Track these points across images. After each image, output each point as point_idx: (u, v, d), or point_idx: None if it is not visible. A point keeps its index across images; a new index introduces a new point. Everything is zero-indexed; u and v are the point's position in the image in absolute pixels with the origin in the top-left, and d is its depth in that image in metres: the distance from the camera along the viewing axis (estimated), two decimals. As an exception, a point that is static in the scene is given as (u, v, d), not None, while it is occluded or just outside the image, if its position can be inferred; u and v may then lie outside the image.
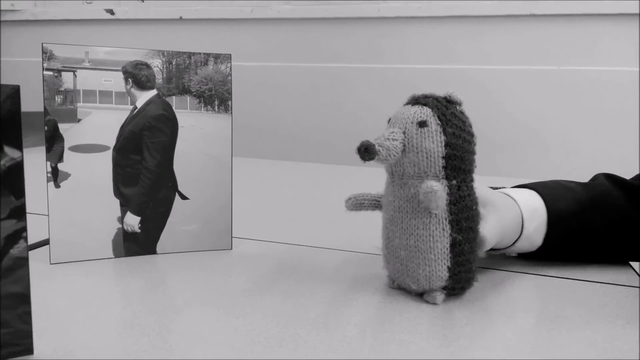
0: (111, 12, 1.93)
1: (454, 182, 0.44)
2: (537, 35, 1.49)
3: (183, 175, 0.55)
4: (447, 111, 0.43)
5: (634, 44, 1.40)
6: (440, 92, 0.45)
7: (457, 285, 0.45)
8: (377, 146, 0.42)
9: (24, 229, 0.32)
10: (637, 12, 1.39)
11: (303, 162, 1.28)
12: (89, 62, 0.51)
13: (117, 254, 0.54)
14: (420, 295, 0.46)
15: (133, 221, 0.54)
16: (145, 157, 0.54)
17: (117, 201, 0.53)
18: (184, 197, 0.56)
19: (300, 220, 0.73)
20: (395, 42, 1.63)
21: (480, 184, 0.48)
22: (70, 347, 0.36)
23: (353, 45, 1.68)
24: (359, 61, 1.67)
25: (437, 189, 0.41)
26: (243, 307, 0.43)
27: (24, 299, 0.33)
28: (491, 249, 0.52)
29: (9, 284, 0.33)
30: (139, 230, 0.54)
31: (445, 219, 0.44)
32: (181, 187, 0.55)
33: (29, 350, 0.34)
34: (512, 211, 0.51)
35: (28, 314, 0.34)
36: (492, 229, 0.47)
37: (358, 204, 0.48)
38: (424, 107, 0.44)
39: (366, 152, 0.42)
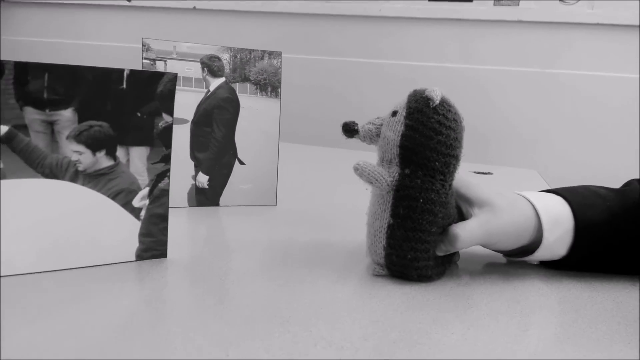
0: (127, -1, 2.04)
1: (406, 171, 0.45)
2: (523, 40, 1.66)
3: (241, 145, 0.71)
4: (414, 105, 0.45)
5: (611, 50, 1.58)
6: (438, 87, 0.47)
7: (392, 267, 0.47)
8: (358, 126, 0.48)
9: (169, 170, 0.48)
10: (617, 22, 1.57)
11: (308, 145, 1.44)
12: (175, 54, 0.66)
13: (191, 204, 0.69)
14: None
15: (203, 179, 0.69)
16: (214, 130, 0.69)
17: (192, 163, 0.68)
18: (241, 162, 0.71)
19: (330, 189, 0.89)
20: (394, 40, 1.78)
21: (484, 185, 0.49)
22: (185, 254, 0.51)
23: (354, 41, 1.82)
24: (359, 56, 1.82)
25: (358, 167, 0.46)
26: (282, 246, 0.59)
27: (164, 218, 0.49)
28: (508, 255, 0.53)
29: (155, 207, 0.48)
30: (207, 187, 0.70)
31: (388, 202, 0.46)
32: (240, 155, 0.71)
33: (164, 255, 0.50)
34: (520, 216, 0.49)
35: (166, 228, 0.49)
36: (473, 229, 0.47)
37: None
38: (405, 99, 0.47)
39: (344, 129, 0.49)
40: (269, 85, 0.71)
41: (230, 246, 0.57)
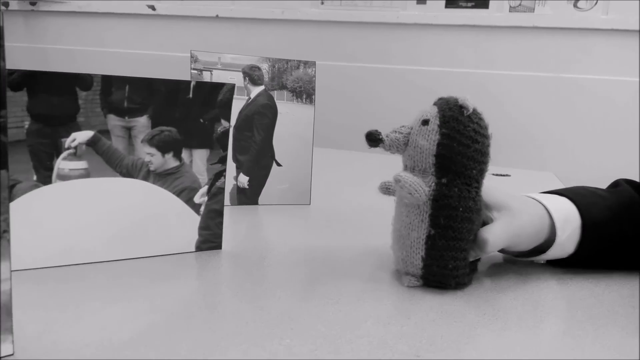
0: (152, 7, 2.12)
1: (443, 180, 0.45)
2: (538, 45, 1.70)
3: (279, 148, 0.76)
4: (449, 114, 0.45)
5: (625, 55, 1.62)
6: (446, 94, 0.48)
7: (431, 277, 0.47)
8: (383, 135, 0.46)
9: (225, 170, 0.53)
10: (631, 27, 1.60)
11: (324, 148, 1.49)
12: (220, 64, 0.72)
13: (232, 202, 0.75)
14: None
15: (244, 179, 0.75)
16: (254, 134, 0.74)
17: (234, 165, 0.74)
18: (278, 164, 0.76)
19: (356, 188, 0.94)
20: (411, 46, 1.83)
21: (500, 188, 0.51)
22: (235, 246, 0.57)
23: (372, 47, 1.87)
24: (376, 62, 1.87)
25: (400, 179, 0.45)
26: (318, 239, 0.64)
27: (220, 213, 0.54)
28: (519, 255, 0.54)
29: (213, 204, 0.54)
30: (247, 186, 0.75)
31: (426, 212, 0.46)
32: (277, 157, 0.76)
33: (219, 246, 0.55)
34: (535, 216, 0.51)
35: (221, 223, 0.55)
36: (499, 233, 0.48)
37: (385, 188, 0.51)
38: (434, 107, 0.47)
39: (368, 138, 0.47)
40: (304, 93, 0.76)
41: (271, 240, 0.63)
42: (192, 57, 0.70)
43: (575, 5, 1.66)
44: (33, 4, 2.27)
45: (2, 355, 0.32)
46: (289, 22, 1.96)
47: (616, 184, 0.58)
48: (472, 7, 1.74)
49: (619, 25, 1.61)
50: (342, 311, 0.42)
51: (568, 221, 0.51)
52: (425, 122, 0.46)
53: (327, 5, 1.90)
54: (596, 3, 1.63)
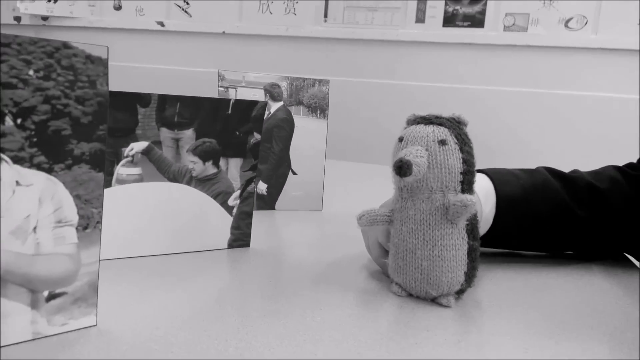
0: (162, 24, 2.20)
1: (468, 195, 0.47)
2: (531, 62, 1.79)
3: (294, 158, 0.84)
4: (461, 131, 0.47)
5: (614, 73, 1.71)
6: (444, 108, 0.50)
7: (467, 286, 0.48)
8: (413, 166, 0.44)
9: (255, 176, 0.61)
10: (618, 47, 1.70)
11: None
12: (244, 82, 0.80)
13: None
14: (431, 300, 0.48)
15: (263, 187, 0.82)
16: (273, 145, 0.82)
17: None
18: (294, 173, 0.84)
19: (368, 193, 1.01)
20: (410, 62, 1.92)
21: None
22: (261, 245, 0.64)
23: (373, 63, 1.96)
24: (377, 77, 1.96)
25: (470, 203, 0.44)
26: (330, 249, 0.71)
27: (249, 215, 0.62)
28: None
29: (244, 206, 0.61)
30: (265, 193, 0.83)
31: (463, 228, 0.46)
32: (293, 166, 0.84)
33: (248, 245, 0.62)
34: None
35: (250, 223, 0.62)
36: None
37: (372, 219, 0.49)
38: (440, 127, 0.46)
39: (402, 169, 0.44)
40: (319, 108, 0.84)
41: (289, 240, 0.70)
42: (219, 75, 0.78)
43: (566, 25, 1.75)
44: (45, 19, 2.35)
45: (87, 325, 0.39)
46: (293, 38, 2.04)
47: (535, 170, 0.61)
48: (468, 26, 1.83)
49: (608, 45, 1.71)
50: (360, 296, 0.49)
51: (488, 196, 0.55)
52: (442, 142, 0.45)
53: (330, 23, 1.99)
54: (586, 23, 1.73)
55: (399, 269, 0.48)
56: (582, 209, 0.58)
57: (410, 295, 0.48)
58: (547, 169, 0.61)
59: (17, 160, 0.33)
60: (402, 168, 0.43)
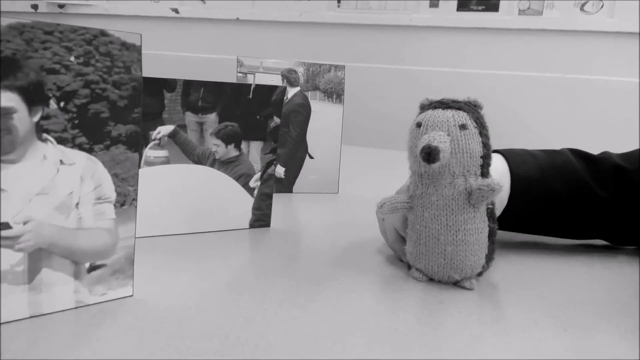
0: (176, 10, 2.22)
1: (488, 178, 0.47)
2: (546, 47, 1.78)
3: (311, 142, 0.86)
4: (478, 115, 0.46)
5: (629, 57, 1.70)
6: (459, 93, 0.49)
7: (487, 268, 0.48)
8: (440, 152, 0.43)
9: (275, 159, 0.63)
10: (635, 30, 1.68)
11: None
12: (262, 68, 0.82)
13: (271, 190, 0.84)
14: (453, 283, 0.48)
15: (280, 170, 0.85)
16: (290, 130, 0.84)
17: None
18: (311, 157, 0.86)
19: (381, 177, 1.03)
20: (423, 47, 1.92)
21: None
22: (280, 226, 0.66)
23: (386, 48, 1.96)
24: (390, 63, 1.96)
25: (497, 187, 0.44)
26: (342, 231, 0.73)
27: (270, 196, 0.64)
28: None
29: (264, 188, 0.63)
30: (283, 176, 0.85)
31: (484, 212, 0.46)
32: (310, 150, 0.86)
33: (268, 225, 0.65)
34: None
35: (270, 204, 0.64)
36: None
37: (392, 207, 0.48)
38: (459, 111, 0.46)
39: (432, 155, 0.43)
40: (335, 93, 0.86)
41: (307, 221, 0.72)
42: (238, 61, 0.80)
43: (582, 9, 1.74)
44: (61, 6, 2.38)
45: (125, 295, 0.42)
46: (306, 24, 2.05)
47: (556, 150, 0.59)
48: (483, 10, 1.83)
49: (624, 28, 1.69)
50: (385, 274, 0.52)
51: (503, 177, 0.53)
52: (463, 127, 0.45)
53: (343, 8, 2.00)
54: (602, 7, 1.71)
55: (420, 255, 0.47)
56: (604, 189, 0.55)
57: (431, 280, 0.49)
58: (572, 150, 0.59)
59: (60, 141, 0.35)
60: (431, 154, 0.43)
